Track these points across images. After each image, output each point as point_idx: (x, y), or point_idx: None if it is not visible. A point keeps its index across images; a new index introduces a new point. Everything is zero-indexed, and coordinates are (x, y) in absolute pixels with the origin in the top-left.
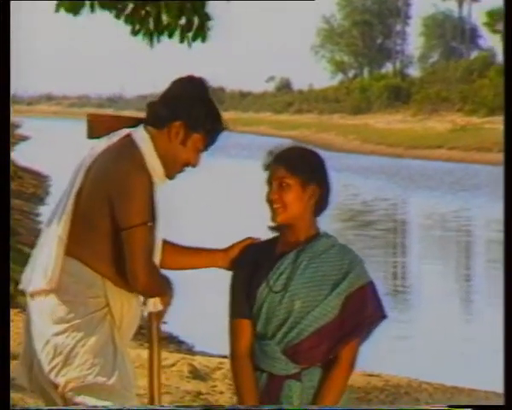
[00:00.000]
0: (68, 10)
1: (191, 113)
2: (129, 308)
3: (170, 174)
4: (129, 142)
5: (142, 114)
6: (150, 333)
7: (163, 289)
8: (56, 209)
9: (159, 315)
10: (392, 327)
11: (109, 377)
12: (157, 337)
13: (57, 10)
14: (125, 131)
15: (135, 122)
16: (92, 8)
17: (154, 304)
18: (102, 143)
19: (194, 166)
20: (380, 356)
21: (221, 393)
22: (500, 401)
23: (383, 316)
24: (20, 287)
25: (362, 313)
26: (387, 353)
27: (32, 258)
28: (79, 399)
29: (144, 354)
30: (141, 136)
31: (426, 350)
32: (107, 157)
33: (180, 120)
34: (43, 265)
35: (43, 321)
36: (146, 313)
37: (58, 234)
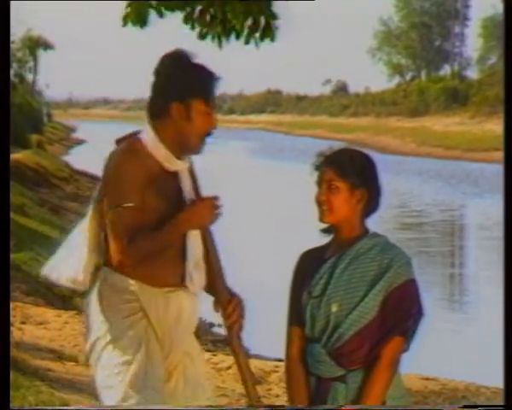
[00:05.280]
0: (135, 23)
1: (179, 87)
2: (166, 309)
3: (192, 151)
4: (132, 138)
5: None
6: (230, 342)
7: (147, 262)
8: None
9: (234, 324)
10: (450, 331)
11: (125, 376)
12: (238, 345)
13: (125, 24)
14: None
15: None
16: (160, 14)
17: (194, 280)
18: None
19: (212, 129)
20: (437, 360)
21: (277, 396)
22: None
23: (421, 314)
24: (43, 272)
25: (401, 310)
26: (445, 357)
27: (62, 250)
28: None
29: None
30: (144, 130)
31: (483, 354)
32: (110, 156)
33: (173, 99)
34: (73, 265)
35: (87, 333)
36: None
37: (86, 244)
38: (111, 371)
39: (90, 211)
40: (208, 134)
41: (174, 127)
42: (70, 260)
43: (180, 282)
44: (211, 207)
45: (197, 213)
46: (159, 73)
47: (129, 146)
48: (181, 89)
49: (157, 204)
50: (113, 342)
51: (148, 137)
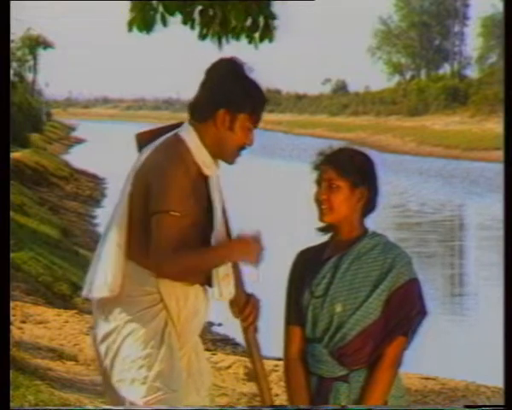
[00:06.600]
0: (141, 28)
1: (230, 96)
2: (185, 302)
3: (226, 160)
4: (174, 137)
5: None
6: (248, 344)
7: (186, 276)
8: (113, 215)
9: (251, 325)
10: (450, 331)
11: (149, 371)
12: (255, 346)
13: (130, 29)
14: (172, 132)
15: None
16: (164, 23)
17: (223, 293)
18: (151, 147)
19: (248, 145)
20: (437, 360)
21: (276, 395)
22: None
23: (424, 313)
24: (83, 294)
25: (404, 310)
26: (445, 356)
27: (93, 264)
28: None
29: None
30: (186, 130)
31: (483, 354)
32: (154, 154)
33: (222, 106)
34: (104, 273)
35: (99, 323)
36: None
37: (117, 241)
38: (132, 365)
39: (123, 209)
40: (243, 148)
41: (215, 133)
42: (103, 269)
43: (200, 282)
44: (254, 248)
45: (240, 251)
46: (210, 75)
47: (176, 149)
48: (232, 99)
49: (192, 209)
50: (133, 334)
51: (190, 138)
